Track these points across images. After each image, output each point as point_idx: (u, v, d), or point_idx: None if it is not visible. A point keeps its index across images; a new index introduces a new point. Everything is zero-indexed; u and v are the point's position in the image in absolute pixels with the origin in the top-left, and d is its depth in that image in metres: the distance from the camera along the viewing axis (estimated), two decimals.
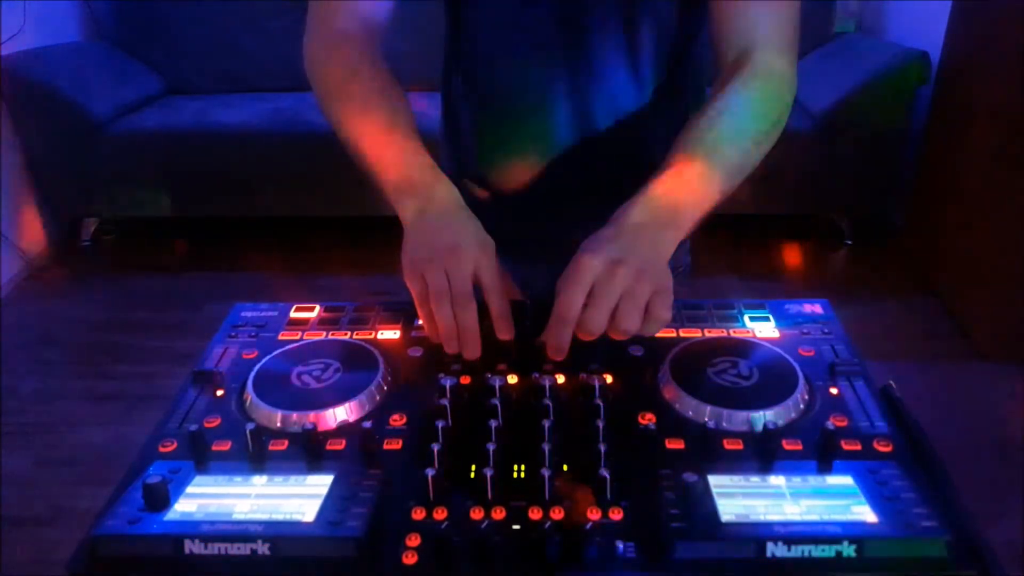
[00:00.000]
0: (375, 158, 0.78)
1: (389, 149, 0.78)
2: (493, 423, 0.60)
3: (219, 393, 0.68)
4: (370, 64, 0.85)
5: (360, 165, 0.81)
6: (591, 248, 0.66)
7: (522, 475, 0.58)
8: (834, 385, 0.66)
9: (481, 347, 0.69)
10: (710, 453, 0.59)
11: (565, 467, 0.58)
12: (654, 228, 0.69)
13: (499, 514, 0.54)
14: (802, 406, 0.63)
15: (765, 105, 0.79)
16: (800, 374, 0.65)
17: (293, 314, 0.80)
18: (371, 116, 0.81)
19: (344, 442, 0.61)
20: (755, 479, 0.55)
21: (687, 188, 0.72)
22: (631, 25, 0.85)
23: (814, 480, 0.54)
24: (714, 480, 0.54)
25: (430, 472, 0.55)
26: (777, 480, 0.55)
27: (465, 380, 0.68)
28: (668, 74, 0.90)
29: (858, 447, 0.59)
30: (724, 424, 0.61)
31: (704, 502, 0.52)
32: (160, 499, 0.53)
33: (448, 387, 0.65)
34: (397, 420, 0.64)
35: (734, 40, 0.81)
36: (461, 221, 0.74)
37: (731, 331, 0.74)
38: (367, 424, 0.60)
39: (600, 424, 0.60)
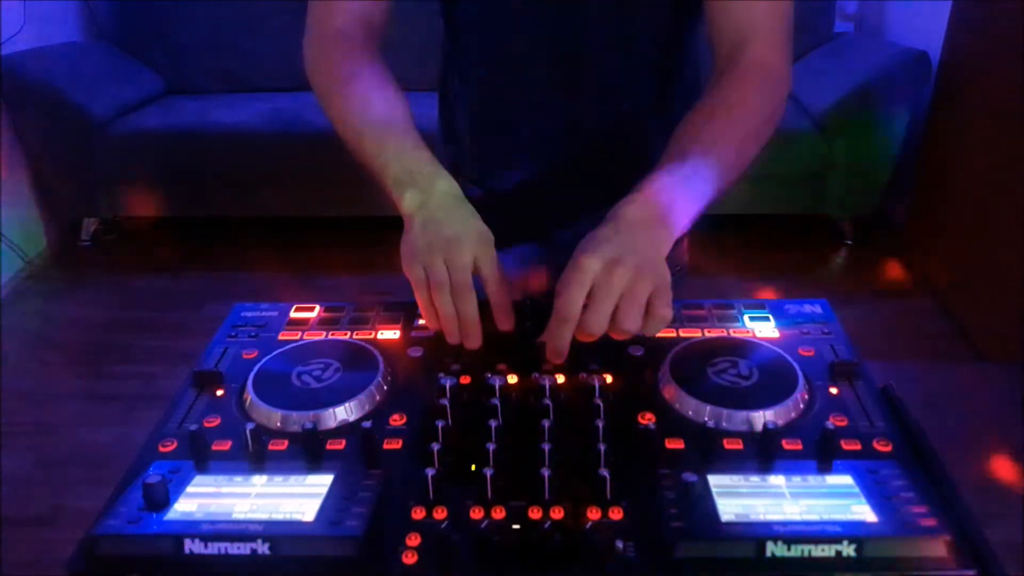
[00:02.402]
0: (375, 154, 0.79)
1: (389, 145, 0.79)
2: (493, 423, 0.60)
3: (219, 393, 0.68)
4: (369, 62, 0.86)
5: (360, 162, 0.82)
6: (588, 248, 0.66)
7: (522, 474, 0.58)
8: (834, 385, 0.66)
9: (481, 338, 0.69)
10: (710, 453, 0.59)
11: (565, 467, 0.58)
12: (650, 226, 0.68)
13: (499, 514, 0.54)
14: (802, 406, 0.63)
15: (759, 100, 0.79)
16: (800, 374, 0.65)
17: (293, 314, 0.80)
18: (371, 113, 0.81)
19: (344, 442, 0.62)
20: (755, 479, 0.55)
21: (683, 185, 0.72)
22: (627, 23, 0.85)
23: (814, 480, 0.54)
24: (714, 480, 0.54)
25: (430, 472, 0.55)
26: (777, 480, 0.55)
27: (465, 380, 0.68)
28: (665, 71, 0.90)
29: (858, 447, 0.59)
30: (724, 424, 0.62)
31: (704, 502, 0.52)
32: (160, 499, 0.53)
33: (448, 387, 0.65)
34: (397, 420, 0.64)
35: (728, 34, 0.81)
36: (461, 213, 0.74)
37: (731, 331, 0.74)
38: (367, 424, 0.60)
39: (600, 424, 0.60)
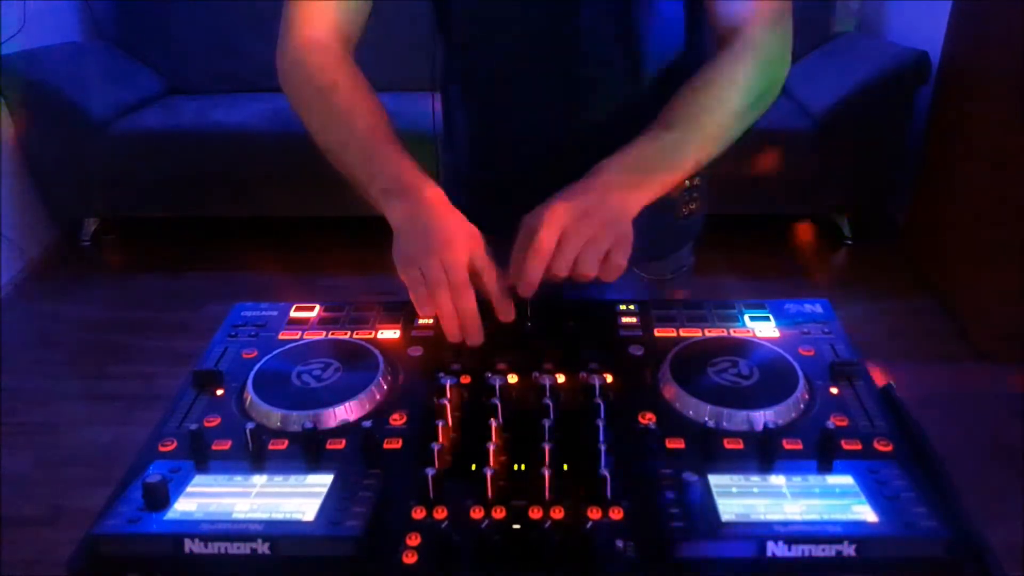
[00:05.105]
0: (361, 165, 0.81)
1: (375, 156, 0.81)
2: (493, 422, 0.60)
3: (219, 393, 0.68)
4: (345, 72, 0.87)
5: (343, 171, 0.84)
6: (564, 198, 0.72)
7: (522, 474, 0.58)
8: (834, 385, 0.66)
9: (483, 335, 0.71)
10: (710, 453, 0.59)
11: (565, 466, 0.58)
12: (624, 188, 0.74)
13: (499, 513, 0.54)
14: (802, 406, 0.63)
15: (750, 79, 0.82)
16: (800, 374, 0.65)
17: (293, 314, 0.80)
18: (354, 125, 0.83)
19: (344, 441, 0.61)
20: (755, 479, 0.55)
21: (662, 154, 0.77)
22: (626, 21, 0.85)
23: (814, 480, 0.54)
24: (714, 480, 0.54)
25: (430, 471, 0.55)
26: (777, 480, 0.55)
27: (465, 380, 0.68)
28: (667, 69, 0.90)
29: (858, 447, 0.59)
30: (724, 424, 0.61)
31: (704, 502, 0.52)
32: (160, 498, 0.53)
33: (448, 387, 0.65)
34: (397, 419, 0.64)
35: (726, 16, 0.84)
36: (450, 217, 0.76)
37: (731, 331, 0.74)
38: (367, 423, 0.60)
39: (600, 424, 0.60)
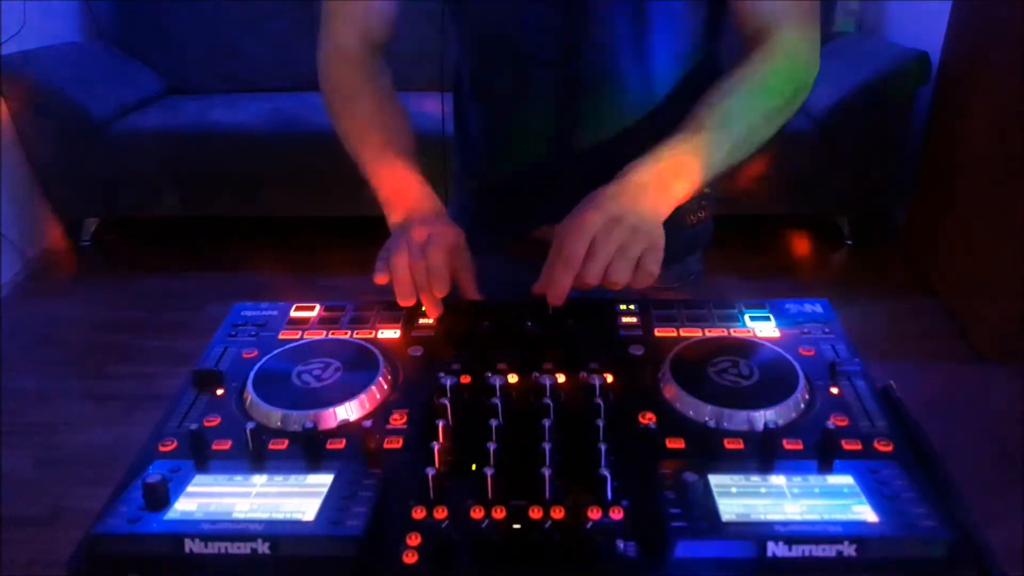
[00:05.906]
0: (372, 173, 0.86)
1: (384, 168, 0.86)
2: (493, 422, 0.60)
3: (219, 392, 0.68)
4: (370, 82, 0.91)
5: (360, 173, 0.88)
6: (594, 204, 0.71)
7: (522, 474, 0.58)
8: (834, 385, 0.66)
9: (440, 308, 0.75)
10: (710, 452, 0.58)
11: (565, 467, 0.58)
12: (655, 190, 0.73)
13: (499, 513, 0.54)
14: (803, 406, 0.63)
15: (779, 82, 0.81)
16: (800, 374, 0.65)
17: (293, 313, 0.80)
18: (370, 135, 0.88)
19: (344, 441, 0.61)
20: (756, 479, 0.55)
21: (693, 156, 0.76)
22: (642, 21, 0.84)
23: (815, 480, 0.54)
24: (714, 479, 0.54)
25: (430, 471, 0.55)
26: (778, 480, 0.54)
27: (465, 379, 0.68)
28: (683, 72, 0.89)
29: (858, 447, 0.59)
30: (724, 423, 0.61)
31: (705, 501, 0.52)
32: (160, 498, 0.53)
33: (448, 386, 0.65)
34: (397, 419, 0.64)
35: (754, 17, 0.83)
36: (437, 219, 0.80)
37: (731, 331, 0.74)
38: (367, 423, 0.60)
39: (600, 423, 0.60)
